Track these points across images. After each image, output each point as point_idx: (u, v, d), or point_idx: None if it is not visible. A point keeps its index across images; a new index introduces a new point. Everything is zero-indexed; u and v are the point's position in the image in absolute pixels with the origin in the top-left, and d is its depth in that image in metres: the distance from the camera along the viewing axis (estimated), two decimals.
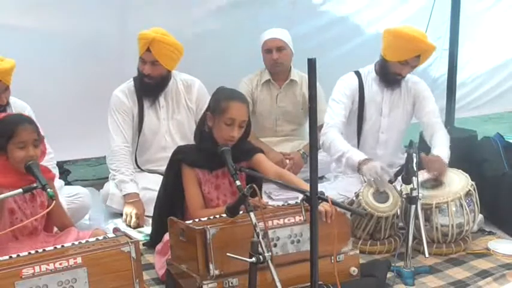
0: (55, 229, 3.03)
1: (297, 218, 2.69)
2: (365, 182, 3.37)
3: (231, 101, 2.93)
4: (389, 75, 3.81)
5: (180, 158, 3.05)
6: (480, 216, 3.50)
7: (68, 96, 4.30)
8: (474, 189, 3.31)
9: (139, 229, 3.69)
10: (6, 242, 2.75)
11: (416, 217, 3.00)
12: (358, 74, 3.91)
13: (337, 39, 5.16)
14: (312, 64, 2.07)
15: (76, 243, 2.51)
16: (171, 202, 3.09)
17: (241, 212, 2.58)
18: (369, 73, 3.91)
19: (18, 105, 3.51)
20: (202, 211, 2.95)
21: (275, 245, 2.63)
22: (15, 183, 2.67)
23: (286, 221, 2.68)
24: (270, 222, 2.60)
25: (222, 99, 2.97)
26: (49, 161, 3.59)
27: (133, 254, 2.43)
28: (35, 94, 3.85)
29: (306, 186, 2.67)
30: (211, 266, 2.52)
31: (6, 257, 2.35)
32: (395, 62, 3.73)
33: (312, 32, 5.02)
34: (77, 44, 4.21)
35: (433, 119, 3.79)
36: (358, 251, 2.90)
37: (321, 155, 3.48)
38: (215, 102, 3.00)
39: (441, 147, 3.55)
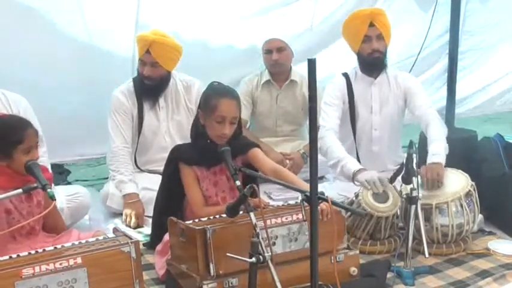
0: None
1: (295, 217, 2.70)
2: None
3: (220, 99, 2.91)
4: (367, 61, 3.82)
5: (177, 156, 3.05)
6: (480, 217, 3.49)
7: (68, 96, 4.29)
8: (474, 190, 3.30)
9: (139, 229, 3.69)
10: (4, 243, 2.75)
11: (416, 217, 3.00)
12: (345, 75, 3.94)
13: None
14: (312, 64, 2.07)
15: (76, 243, 2.51)
16: (170, 201, 3.09)
17: (241, 212, 2.58)
18: (356, 73, 3.93)
19: (13, 98, 3.48)
20: (205, 208, 2.95)
21: (273, 244, 2.63)
22: (9, 185, 2.66)
23: (283, 219, 2.69)
24: (268, 221, 2.59)
25: (211, 96, 2.95)
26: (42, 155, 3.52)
27: (133, 254, 2.43)
28: (36, 93, 3.84)
29: (305, 186, 2.67)
30: (211, 266, 2.52)
31: (6, 257, 2.36)
32: (361, 44, 3.78)
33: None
34: (79, 44, 4.21)
35: (426, 110, 3.77)
36: (358, 251, 2.91)
37: (320, 155, 3.48)
38: (205, 100, 2.99)
39: (437, 142, 3.52)
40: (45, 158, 3.45)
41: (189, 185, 3.01)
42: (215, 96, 2.94)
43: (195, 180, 3.01)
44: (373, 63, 3.83)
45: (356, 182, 3.43)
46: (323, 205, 2.62)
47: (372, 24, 3.73)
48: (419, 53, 5.22)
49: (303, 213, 2.58)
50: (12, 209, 2.78)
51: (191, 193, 3.01)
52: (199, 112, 3.02)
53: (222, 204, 2.93)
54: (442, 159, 3.42)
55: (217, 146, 2.89)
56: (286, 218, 2.69)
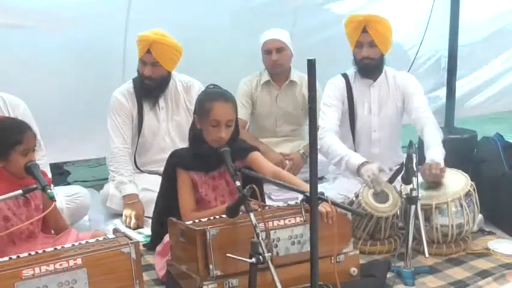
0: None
1: (298, 219, 2.69)
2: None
3: (214, 102, 2.90)
4: (359, 66, 3.84)
5: (175, 162, 3.04)
6: (480, 216, 3.49)
7: (68, 96, 4.29)
8: (474, 190, 3.30)
9: (139, 230, 3.69)
10: (4, 248, 2.74)
11: (416, 217, 3.00)
12: (345, 75, 3.94)
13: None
14: (311, 64, 2.07)
15: (76, 244, 2.51)
16: (169, 204, 3.08)
17: (241, 213, 2.58)
18: (355, 74, 3.93)
19: (12, 102, 3.48)
20: (193, 213, 2.93)
21: (276, 246, 2.62)
22: (6, 189, 2.65)
23: (287, 222, 2.67)
24: (270, 223, 2.60)
25: (205, 101, 2.94)
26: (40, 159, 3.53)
27: (133, 255, 2.43)
28: (35, 94, 3.85)
29: (305, 186, 2.67)
30: (211, 267, 2.52)
31: (6, 258, 2.35)
32: (354, 49, 3.81)
33: (313, 30, 5.01)
34: (77, 44, 4.21)
35: (421, 113, 3.76)
36: (358, 251, 2.91)
37: (321, 155, 3.48)
38: (199, 105, 2.98)
39: (434, 148, 3.51)
40: (43, 161, 3.44)
41: (181, 191, 3.00)
42: (209, 100, 2.92)
43: (187, 187, 3.00)
44: (364, 69, 3.84)
45: (359, 178, 3.44)
46: (327, 207, 2.62)
47: (365, 31, 3.72)
48: (417, 52, 5.23)
49: (303, 214, 2.59)
50: (10, 216, 2.77)
51: (181, 198, 2.99)
52: (195, 117, 3.01)
53: None
54: (441, 160, 3.41)
55: (217, 148, 2.88)
56: (289, 221, 2.68)
